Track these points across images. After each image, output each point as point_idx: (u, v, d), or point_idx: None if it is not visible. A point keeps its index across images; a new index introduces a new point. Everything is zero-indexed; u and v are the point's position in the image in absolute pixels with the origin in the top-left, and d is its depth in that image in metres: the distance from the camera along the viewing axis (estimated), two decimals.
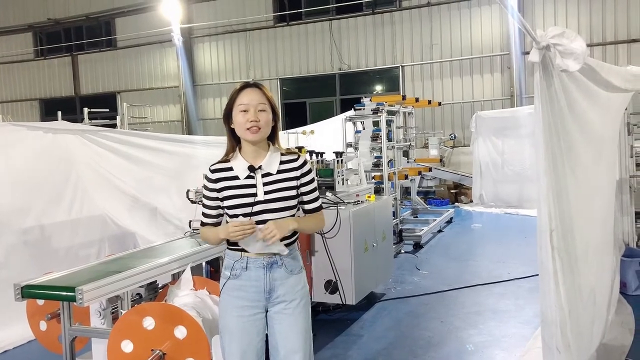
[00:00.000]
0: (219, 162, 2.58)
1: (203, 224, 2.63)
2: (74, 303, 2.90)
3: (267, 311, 2.56)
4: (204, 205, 2.60)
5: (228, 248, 2.58)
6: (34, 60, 20.05)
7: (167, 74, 18.04)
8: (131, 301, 3.77)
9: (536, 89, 2.40)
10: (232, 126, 2.55)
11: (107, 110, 12.23)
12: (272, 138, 2.62)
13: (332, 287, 4.93)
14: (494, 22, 14.01)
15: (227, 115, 2.56)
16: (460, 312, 5.27)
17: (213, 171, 2.56)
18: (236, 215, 2.48)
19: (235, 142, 2.60)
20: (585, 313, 2.83)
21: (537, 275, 6.22)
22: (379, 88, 15.87)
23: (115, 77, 18.81)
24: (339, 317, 5.15)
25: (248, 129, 2.47)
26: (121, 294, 3.09)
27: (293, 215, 2.56)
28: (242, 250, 2.50)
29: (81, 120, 11.34)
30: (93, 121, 11.16)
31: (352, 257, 4.92)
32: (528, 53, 13.21)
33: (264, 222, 2.47)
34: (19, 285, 2.99)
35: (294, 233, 2.58)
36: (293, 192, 2.52)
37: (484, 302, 5.56)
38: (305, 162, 2.62)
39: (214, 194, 2.54)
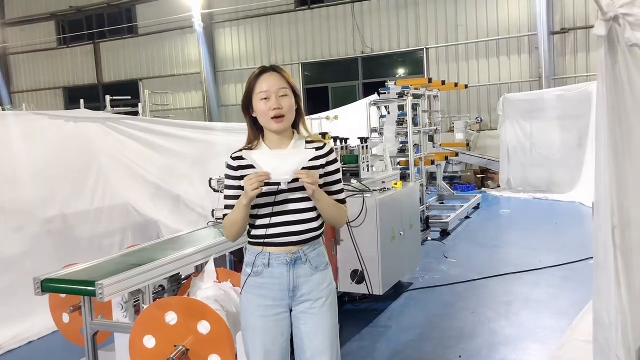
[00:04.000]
0: (240, 150, 2.44)
1: (224, 216, 2.44)
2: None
3: (291, 310, 2.42)
4: (226, 197, 2.44)
5: (249, 242, 2.43)
6: (56, 48, 20.15)
7: (188, 60, 17.97)
8: (153, 293, 3.70)
9: (600, 66, 2.12)
10: (253, 115, 2.40)
11: (129, 97, 12.17)
12: (296, 123, 2.46)
13: (358, 276, 4.80)
14: (520, 1, 13.60)
15: (247, 104, 2.41)
16: (491, 302, 5.10)
17: (235, 158, 2.41)
18: (258, 205, 2.34)
19: (257, 130, 2.44)
20: None
21: (571, 262, 6.07)
22: (402, 71, 15.58)
23: (137, 64, 18.82)
24: (365, 308, 5.02)
25: (272, 118, 2.32)
26: (142, 287, 3.00)
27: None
28: (264, 244, 2.37)
29: (103, 108, 11.31)
30: (115, 109, 11.12)
31: (379, 246, 4.77)
32: (556, 33, 13.03)
33: (286, 211, 2.34)
34: (39, 279, 2.92)
35: (320, 226, 2.44)
36: (318, 181, 2.36)
37: (515, 291, 5.38)
38: (331, 150, 2.47)
39: (237, 182, 2.38)
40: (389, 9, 15.06)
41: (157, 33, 18.13)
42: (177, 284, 3.83)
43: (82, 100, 10.70)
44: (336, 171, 2.46)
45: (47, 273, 2.98)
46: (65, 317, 3.65)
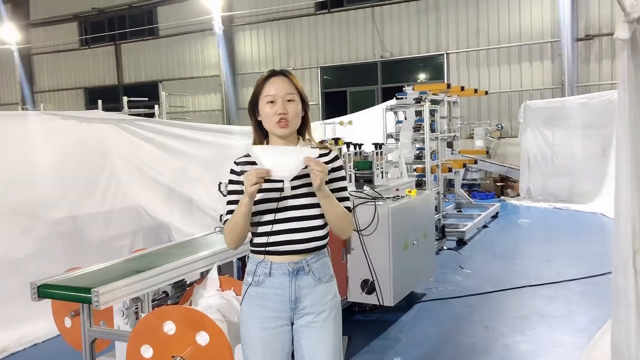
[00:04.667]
0: (245, 156, 2.35)
1: (226, 223, 2.33)
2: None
3: (292, 323, 2.31)
4: (228, 202, 2.34)
5: (251, 251, 2.34)
6: (78, 49, 20.37)
7: (208, 63, 18.01)
8: (157, 299, 3.63)
9: (622, 72, 1.96)
10: (259, 118, 2.32)
11: (147, 99, 12.18)
12: (302, 130, 2.37)
13: (368, 287, 4.67)
14: (544, 7, 13.36)
15: (253, 107, 2.35)
16: (506, 316, 4.93)
17: (238, 164, 2.34)
18: (260, 211, 2.25)
19: (262, 135, 2.36)
20: None
21: (591, 277, 5.87)
22: (422, 76, 15.41)
23: (157, 66, 18.92)
24: (376, 319, 4.89)
25: (277, 122, 2.24)
26: (141, 295, 2.91)
27: (323, 214, 2.30)
28: (266, 252, 2.27)
29: (122, 109, 11.34)
30: (131, 110, 11.14)
31: (391, 256, 4.64)
32: (580, 39, 12.76)
33: (289, 219, 2.24)
34: (35, 284, 2.85)
35: (325, 235, 2.33)
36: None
37: (531, 305, 5.20)
38: (336, 157, 2.37)
39: (240, 187, 2.27)
40: (410, 13, 14.92)
41: (177, 35, 18.21)
42: (182, 290, 3.75)
43: (100, 101, 10.74)
44: (342, 178, 2.36)
45: (44, 278, 2.91)
46: (68, 322, 3.58)
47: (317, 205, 2.27)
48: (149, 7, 18.78)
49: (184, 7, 17.58)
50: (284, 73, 2.33)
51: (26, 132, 5.34)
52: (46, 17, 20.43)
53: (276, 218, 2.24)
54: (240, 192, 2.24)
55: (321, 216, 2.29)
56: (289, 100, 2.26)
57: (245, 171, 2.25)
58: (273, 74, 2.32)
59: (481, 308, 5.16)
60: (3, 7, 19.57)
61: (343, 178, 2.36)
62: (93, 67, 20.08)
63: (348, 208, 2.34)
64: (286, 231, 2.24)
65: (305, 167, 2.15)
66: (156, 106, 11.59)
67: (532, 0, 13.44)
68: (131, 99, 11.63)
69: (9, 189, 4.96)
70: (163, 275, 3.05)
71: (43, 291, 2.84)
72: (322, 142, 5.03)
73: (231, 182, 2.34)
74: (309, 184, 2.23)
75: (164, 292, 3.71)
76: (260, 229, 2.27)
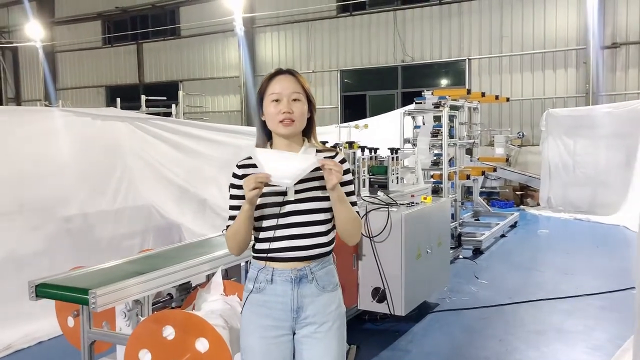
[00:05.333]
0: (247, 158, 2.25)
1: (228, 228, 2.25)
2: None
3: (294, 333, 2.20)
4: (231, 207, 2.24)
5: (253, 257, 2.24)
6: (101, 48, 20.53)
7: (228, 64, 18.02)
8: (162, 301, 3.55)
9: None
10: (263, 118, 2.23)
11: (165, 98, 12.21)
12: (308, 132, 2.27)
13: (379, 295, 4.55)
14: (570, 14, 13.08)
15: (258, 106, 2.25)
16: (521, 331, 4.77)
17: (240, 167, 2.24)
18: (262, 217, 2.16)
19: (266, 136, 2.26)
20: None
21: (611, 292, 5.67)
22: (443, 82, 15.21)
23: (178, 66, 18.98)
24: (386, 328, 4.76)
25: (281, 121, 2.14)
26: (141, 298, 2.83)
27: (329, 220, 2.20)
28: (268, 259, 2.17)
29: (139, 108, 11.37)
30: (149, 109, 11.15)
31: (403, 264, 4.51)
32: (608, 47, 12.46)
33: (292, 224, 2.14)
34: (34, 283, 2.79)
35: (329, 242, 2.22)
36: (327, 193, 2.15)
37: (548, 320, 5.02)
38: (343, 160, 2.25)
39: (242, 192, 2.17)
40: (432, 17, 14.74)
41: (199, 36, 18.25)
42: (186, 293, 3.67)
43: (118, 99, 10.78)
44: (349, 182, 2.25)
45: (43, 277, 2.85)
46: (70, 321, 3.53)
47: (321, 210, 2.17)
48: (172, 7, 18.87)
49: (206, 8, 17.61)
50: (290, 72, 2.24)
51: (40, 128, 5.32)
52: (70, 16, 20.65)
53: (279, 223, 2.14)
54: (242, 197, 2.14)
55: (326, 221, 2.19)
56: (294, 100, 2.17)
57: (248, 174, 2.16)
58: (279, 72, 2.24)
59: (496, 320, 5.00)
60: (29, 5, 19.82)
61: (350, 182, 2.26)
62: (115, 65, 20.23)
63: (357, 214, 2.23)
64: (289, 237, 2.15)
65: (316, 170, 2.05)
66: (173, 105, 11.59)
67: (558, 7, 13.18)
68: (150, 97, 11.65)
69: (20, 185, 4.94)
70: (165, 277, 2.97)
71: (41, 290, 2.77)
72: (334, 146, 4.93)
73: (232, 186, 2.25)
74: (314, 188, 2.13)
75: (169, 294, 3.64)
76: (262, 234, 2.18)
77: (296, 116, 2.16)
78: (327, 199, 2.15)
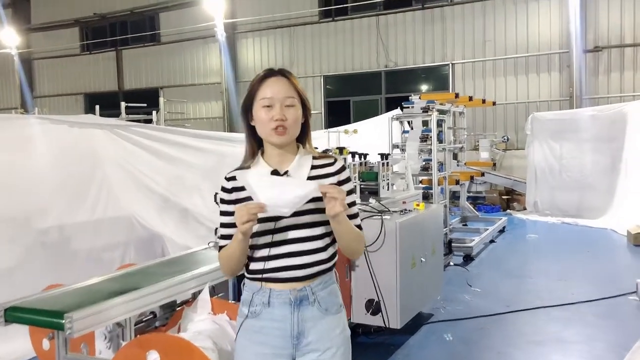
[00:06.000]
0: (237, 169, 2.04)
1: (221, 249, 2.02)
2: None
3: None
4: (222, 225, 2.03)
5: (247, 277, 2.02)
6: (79, 55, 20.12)
7: (209, 70, 17.75)
8: (145, 320, 3.32)
9: None
10: (252, 124, 2.01)
11: (145, 105, 11.91)
12: (302, 138, 2.05)
13: (374, 307, 4.36)
14: (552, 18, 13.08)
15: (246, 110, 2.01)
16: (520, 341, 4.60)
17: (229, 179, 2.01)
18: (256, 233, 1.93)
19: (256, 143, 2.04)
20: None
21: (607, 298, 5.55)
22: (427, 87, 15.11)
23: (158, 73, 18.66)
24: (381, 342, 4.56)
25: (273, 129, 1.93)
26: (122, 320, 2.60)
27: (328, 233, 1.99)
28: (263, 279, 1.96)
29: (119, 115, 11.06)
30: (129, 116, 10.86)
31: (398, 274, 4.33)
32: (590, 51, 12.48)
33: (290, 240, 1.93)
34: (3, 307, 2.54)
35: (330, 257, 2.02)
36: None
37: (546, 329, 4.87)
38: (343, 168, 2.05)
39: (232, 208, 1.96)
40: (415, 22, 14.66)
41: (179, 42, 17.96)
42: (171, 311, 3.44)
43: (97, 107, 10.47)
44: (350, 192, 2.04)
45: (15, 299, 2.60)
46: (46, 344, 3.28)
47: (319, 224, 1.96)
48: (151, 13, 18.55)
49: (186, 14, 17.33)
50: (282, 73, 2.00)
51: (14, 136, 5.05)
52: (47, 22, 20.18)
53: (274, 240, 1.93)
54: (233, 214, 1.93)
55: (325, 235, 1.98)
56: (288, 106, 1.94)
57: (238, 188, 1.95)
58: (270, 73, 1.99)
59: (493, 331, 4.83)
60: (3, 11, 19.36)
61: (352, 192, 2.05)
62: (93, 72, 19.82)
63: (359, 227, 2.03)
64: (286, 255, 1.94)
65: (310, 179, 1.85)
66: (154, 112, 11.30)
67: (540, 11, 13.18)
68: (130, 104, 11.35)
69: None
70: (148, 297, 2.74)
71: (11, 315, 2.53)
72: (325, 151, 4.74)
73: (222, 201, 2.02)
74: (312, 200, 1.91)
75: (152, 312, 3.41)
76: (257, 253, 1.96)
77: (290, 123, 1.94)
78: (325, 210, 1.92)
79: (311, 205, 1.91)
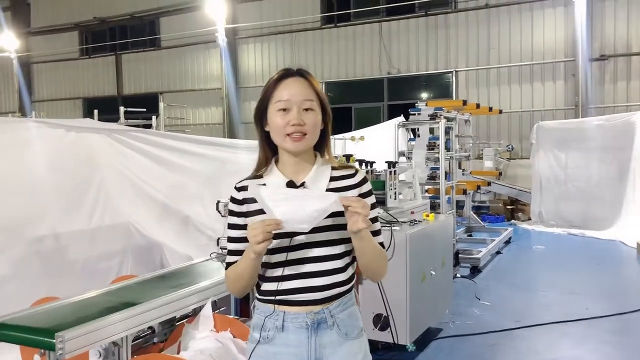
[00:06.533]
0: (248, 178, 1.85)
1: (228, 265, 1.82)
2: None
3: None
4: (230, 239, 1.83)
5: (258, 299, 1.82)
6: (78, 59, 19.97)
7: (210, 76, 17.60)
8: (142, 336, 3.13)
9: None
10: (267, 129, 1.82)
11: (145, 110, 11.72)
12: (321, 146, 1.86)
13: (382, 322, 4.17)
14: (558, 26, 12.95)
15: (261, 114, 1.82)
16: (534, 359, 4.40)
17: (240, 189, 1.81)
18: (269, 251, 1.73)
19: (270, 151, 1.85)
20: None
21: (623, 314, 5.35)
22: (430, 94, 14.94)
23: (158, 78, 18.50)
24: (389, 358, 4.35)
25: (289, 134, 1.74)
26: (118, 339, 2.40)
27: (348, 252, 1.81)
28: (276, 302, 1.76)
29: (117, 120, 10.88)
30: (128, 121, 10.68)
31: (408, 288, 4.15)
32: (596, 59, 12.33)
33: (305, 259, 1.74)
34: None
35: (349, 279, 1.83)
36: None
37: (560, 346, 4.67)
38: (365, 180, 1.86)
39: (243, 221, 1.78)
40: (419, 29, 14.53)
41: (179, 47, 17.82)
42: (170, 327, 3.25)
43: (96, 111, 10.29)
44: (373, 206, 1.84)
45: (2, 316, 2.41)
46: None
47: (339, 242, 1.77)
48: (152, 18, 18.41)
49: (187, 19, 17.20)
50: (301, 73, 1.81)
51: (8, 139, 4.85)
52: (47, 26, 20.06)
53: (289, 259, 1.74)
54: (244, 228, 1.75)
55: (345, 254, 1.79)
56: (306, 109, 1.76)
57: (249, 199, 1.76)
58: (288, 73, 1.80)
59: (506, 348, 4.63)
60: (3, 15, 19.22)
61: (374, 206, 1.86)
62: (93, 77, 19.66)
63: (381, 244, 1.84)
64: (302, 275, 1.74)
65: (337, 214, 1.66)
66: (154, 117, 11.12)
67: (546, 19, 13.06)
68: (129, 109, 11.17)
69: None
70: (146, 314, 2.55)
71: None
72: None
73: (231, 213, 1.82)
74: (331, 215, 1.71)
75: (151, 327, 3.21)
76: (269, 273, 1.77)
77: (308, 129, 1.76)
78: (346, 226, 1.71)
79: (329, 221, 1.71)
